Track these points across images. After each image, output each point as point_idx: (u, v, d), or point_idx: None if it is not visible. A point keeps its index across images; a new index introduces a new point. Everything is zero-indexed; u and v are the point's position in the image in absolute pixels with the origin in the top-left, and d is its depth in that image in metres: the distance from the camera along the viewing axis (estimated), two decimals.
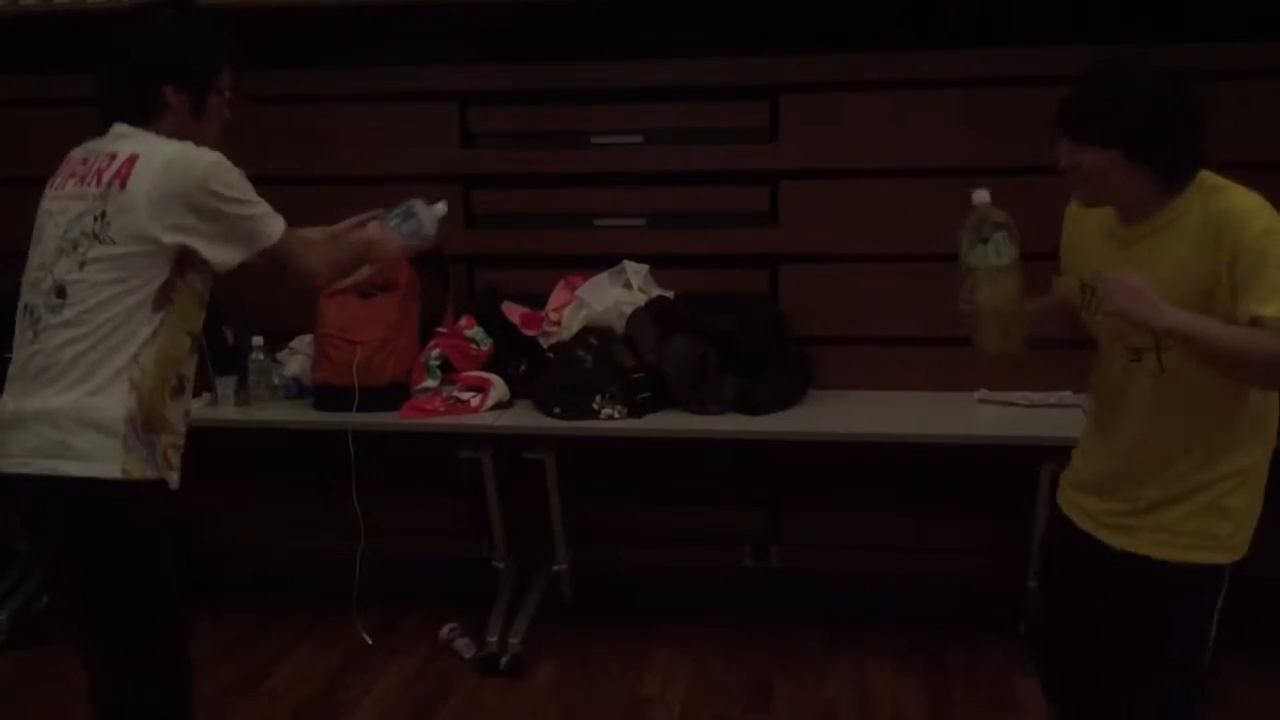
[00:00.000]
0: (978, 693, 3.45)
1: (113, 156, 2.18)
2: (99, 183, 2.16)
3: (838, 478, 3.83)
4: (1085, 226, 2.27)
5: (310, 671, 3.67)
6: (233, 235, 2.20)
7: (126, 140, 2.20)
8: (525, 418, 3.56)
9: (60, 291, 2.16)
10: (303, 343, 3.82)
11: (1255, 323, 1.97)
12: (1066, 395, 3.50)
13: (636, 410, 3.51)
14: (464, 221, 3.96)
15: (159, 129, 2.22)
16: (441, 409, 3.56)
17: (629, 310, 3.68)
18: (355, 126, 3.96)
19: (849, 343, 3.82)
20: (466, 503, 3.96)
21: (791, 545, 3.95)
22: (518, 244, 3.99)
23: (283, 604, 4.03)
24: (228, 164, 2.19)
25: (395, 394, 3.60)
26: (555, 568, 3.86)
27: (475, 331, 3.74)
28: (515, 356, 3.75)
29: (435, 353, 3.67)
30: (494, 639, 3.67)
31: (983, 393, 3.65)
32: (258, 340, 3.69)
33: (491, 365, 3.70)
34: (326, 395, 3.64)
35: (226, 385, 3.69)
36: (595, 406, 3.49)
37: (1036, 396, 3.56)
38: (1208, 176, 2.10)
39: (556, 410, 3.53)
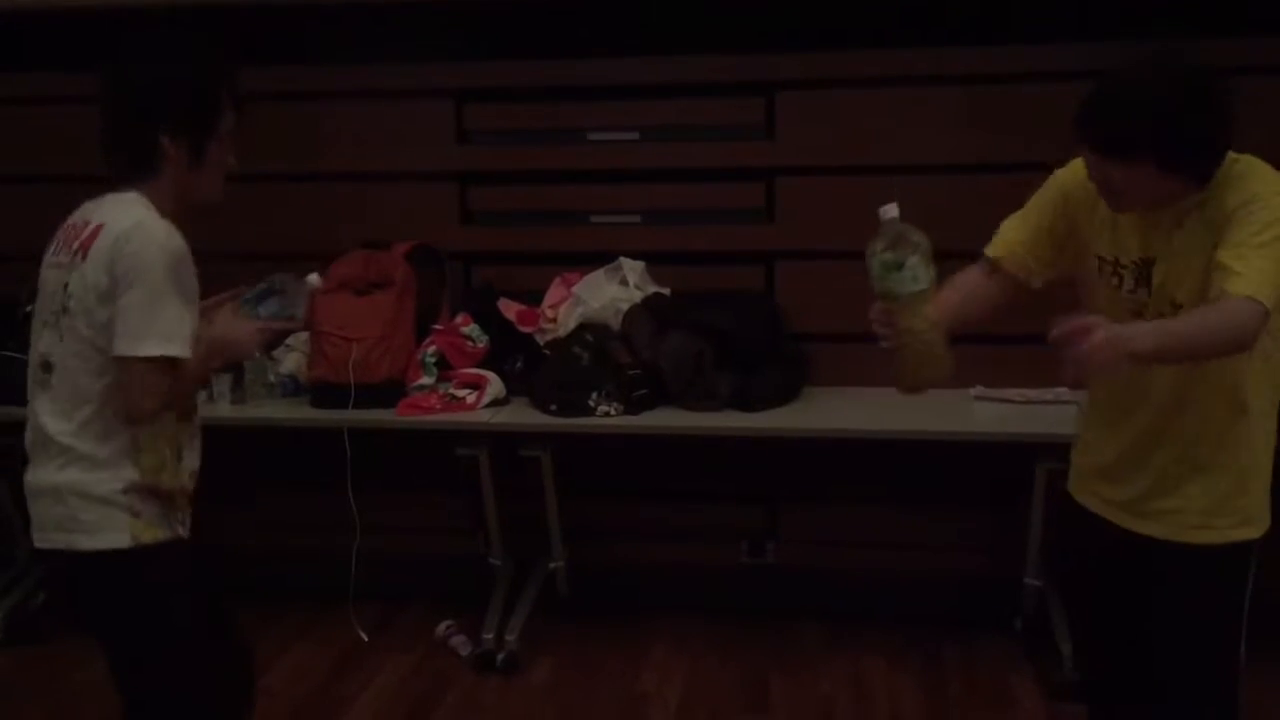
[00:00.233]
0: (974, 689, 3.45)
1: (87, 224, 2.11)
2: (69, 251, 2.10)
3: (834, 474, 3.83)
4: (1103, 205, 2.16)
5: (307, 669, 3.67)
6: (119, 322, 2.04)
7: (107, 206, 2.12)
8: (521, 415, 3.56)
9: (46, 367, 2.14)
10: (299, 340, 3.81)
11: (1221, 271, 1.91)
12: (1063, 392, 3.50)
13: (633, 407, 3.51)
14: (460, 218, 3.96)
15: (161, 183, 2.12)
16: (438, 406, 3.55)
17: (625, 307, 3.67)
18: (351, 123, 3.95)
19: (845, 339, 3.80)
20: (463, 500, 3.95)
21: (788, 542, 3.96)
22: (514, 241, 3.99)
23: (279, 602, 4.02)
24: (174, 258, 2.05)
25: (391, 391, 3.60)
26: (552, 565, 3.86)
27: (471, 329, 3.74)
28: (511, 354, 3.74)
29: (431, 350, 3.67)
30: (490, 636, 3.67)
31: (979, 390, 3.64)
32: None
33: (488, 362, 3.70)
34: (322, 393, 3.63)
35: (222, 383, 3.67)
36: (591, 404, 3.49)
37: (1032, 393, 3.56)
38: (1234, 160, 2.03)
39: (553, 407, 3.53)
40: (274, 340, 2.44)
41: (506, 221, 4.01)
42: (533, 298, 3.80)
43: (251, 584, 4.06)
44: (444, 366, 3.66)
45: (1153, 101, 1.96)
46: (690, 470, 3.90)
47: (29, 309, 2.30)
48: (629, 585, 4.00)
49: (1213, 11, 3.42)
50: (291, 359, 3.78)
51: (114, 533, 2.12)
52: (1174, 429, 2.15)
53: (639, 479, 3.96)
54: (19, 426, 2.24)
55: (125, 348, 2.04)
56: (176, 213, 2.16)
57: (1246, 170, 2.04)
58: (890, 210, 2.12)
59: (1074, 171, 2.19)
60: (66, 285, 2.09)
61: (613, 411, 3.49)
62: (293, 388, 3.76)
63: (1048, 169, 2.24)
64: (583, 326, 3.66)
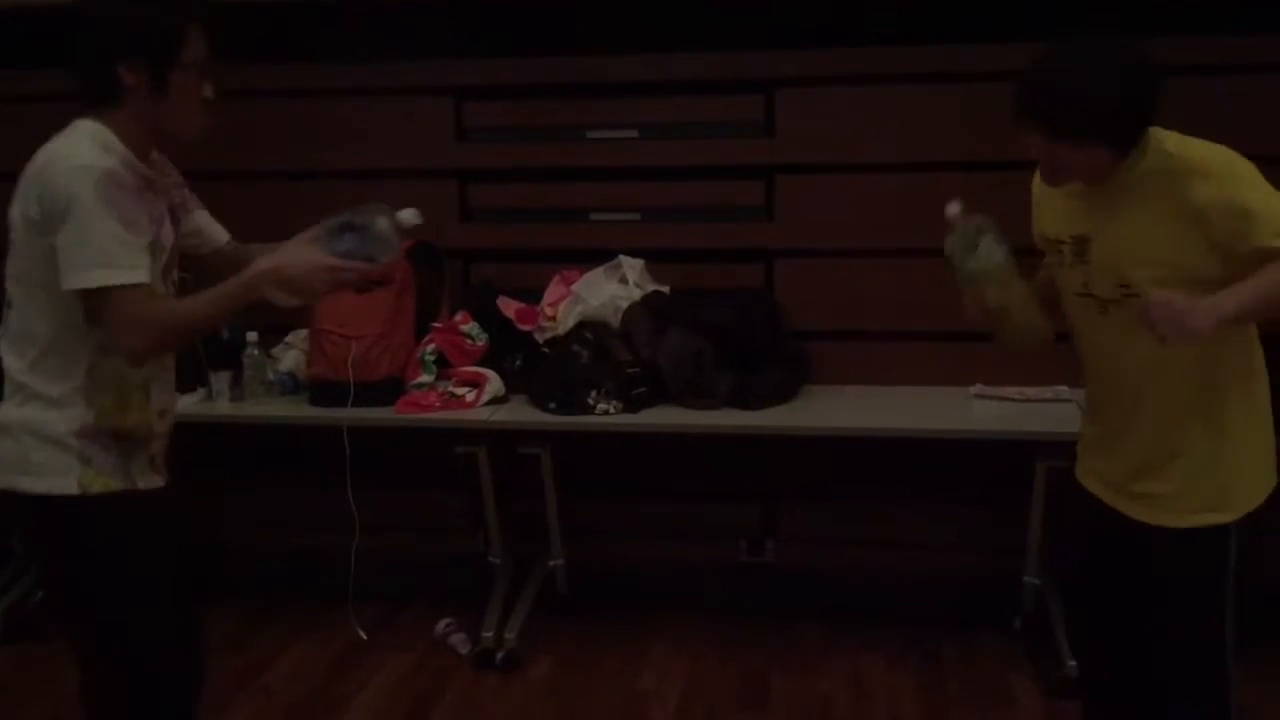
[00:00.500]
0: (973, 687, 3.45)
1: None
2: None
3: (833, 473, 3.83)
4: (1047, 189, 2.29)
5: (306, 667, 3.67)
6: (60, 257, 1.97)
7: (55, 137, 2.05)
8: (521, 413, 3.56)
9: (8, 303, 2.10)
10: (298, 338, 3.81)
11: (1268, 256, 1.98)
12: (1062, 390, 3.50)
13: (632, 405, 3.51)
14: (460, 216, 3.96)
15: (123, 114, 2.05)
16: (437, 404, 3.55)
17: (624, 305, 3.67)
18: (351, 121, 3.95)
19: (845, 337, 3.81)
20: (462, 498, 3.95)
21: (787, 540, 3.95)
22: (513, 239, 3.99)
23: (278, 600, 4.02)
24: (97, 178, 1.95)
25: (391, 389, 3.60)
26: (551, 563, 3.86)
27: (471, 327, 3.74)
28: (511, 352, 3.74)
29: (431, 348, 3.66)
30: (490, 634, 3.67)
31: (979, 388, 3.64)
32: (252, 335, 3.67)
33: (487, 360, 3.70)
34: (322, 390, 3.63)
35: (221, 380, 3.67)
36: (591, 401, 3.49)
37: (1032, 391, 3.56)
38: (1155, 134, 2.12)
39: (552, 405, 3.52)
40: (350, 284, 2.12)
41: (506, 219, 4.00)
42: (532, 296, 3.80)
43: (250, 582, 4.10)
44: (443, 364, 3.65)
45: (1098, 79, 2.07)
46: (690, 468, 3.90)
47: None
48: (628, 584, 4.00)
49: (1213, 8, 3.42)
50: (290, 356, 3.78)
51: (60, 478, 2.05)
52: (1145, 411, 2.22)
53: (638, 477, 3.96)
54: None
55: (72, 281, 1.96)
56: (149, 145, 2.11)
57: (1181, 147, 2.11)
58: (954, 208, 2.27)
59: (1037, 174, 2.32)
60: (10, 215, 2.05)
61: (612, 410, 3.49)
62: (291, 385, 3.76)
63: None
64: (582, 324, 3.65)
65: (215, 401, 3.67)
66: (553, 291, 3.77)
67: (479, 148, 3.95)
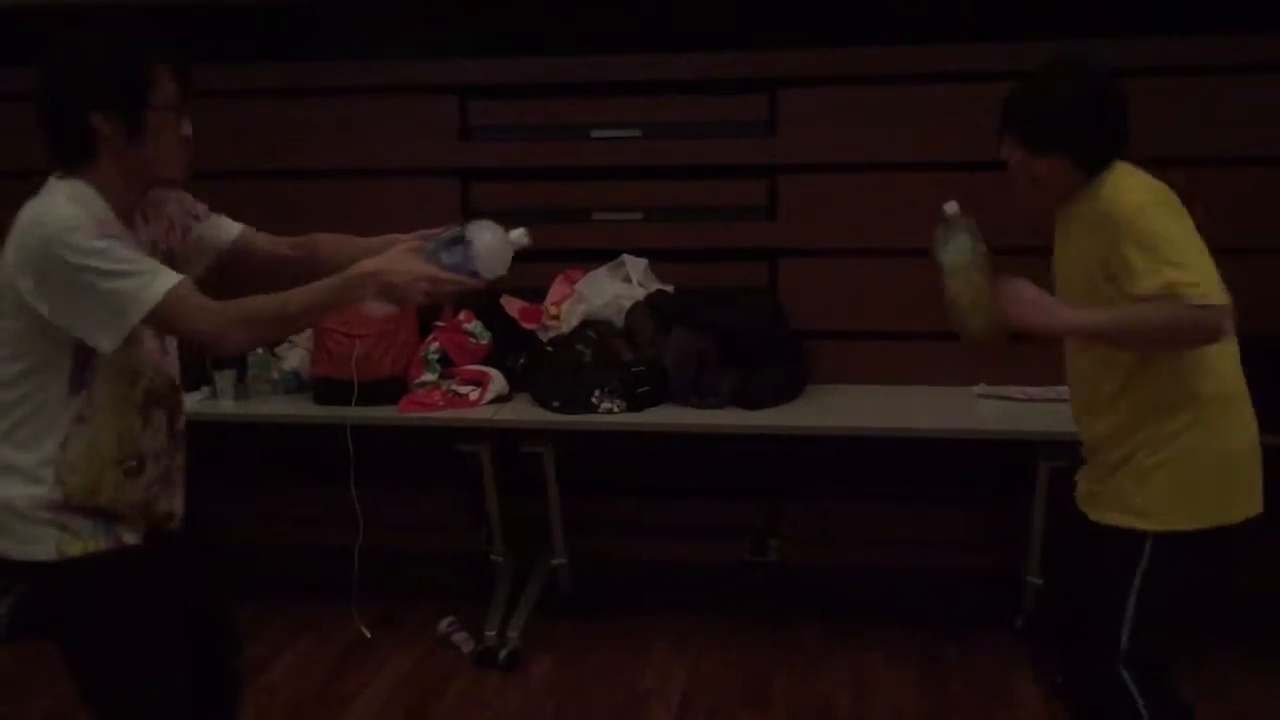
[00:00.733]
0: (975, 687, 3.45)
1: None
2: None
3: (836, 472, 3.83)
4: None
5: (309, 665, 3.67)
6: (99, 307, 1.89)
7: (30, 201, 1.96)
8: (524, 412, 3.57)
9: None
10: (302, 336, 3.82)
11: (1141, 299, 2.14)
12: (1064, 390, 3.49)
13: (635, 404, 3.51)
14: (463, 215, 3.96)
15: (101, 168, 1.96)
16: (440, 403, 3.56)
17: (628, 304, 3.68)
18: (354, 120, 3.95)
19: (847, 337, 3.82)
20: (465, 497, 3.96)
21: (790, 540, 3.95)
22: None
23: (281, 598, 4.03)
24: (80, 224, 1.88)
25: (394, 388, 3.61)
26: (554, 562, 3.86)
27: (474, 325, 3.74)
28: (514, 350, 3.75)
29: (434, 347, 3.67)
30: (492, 633, 3.68)
31: (981, 387, 3.65)
32: None
33: (490, 359, 3.71)
34: (325, 389, 3.64)
35: (225, 379, 3.69)
36: (594, 400, 3.49)
37: (1034, 391, 3.56)
38: (1116, 170, 2.27)
39: (555, 404, 3.53)
40: (447, 297, 2.13)
41: (509, 218, 3.99)
42: (535, 295, 3.80)
43: (254, 580, 4.10)
44: (446, 363, 3.66)
45: (1078, 99, 2.27)
46: (692, 467, 3.90)
47: None
48: (631, 582, 4.00)
49: (1213, 8, 3.42)
50: (294, 355, 3.79)
51: (37, 545, 2.00)
52: (1098, 412, 2.40)
53: (641, 476, 3.96)
54: None
55: (136, 311, 1.89)
56: (132, 198, 2.03)
57: (1114, 189, 2.25)
58: (951, 206, 2.40)
59: None
60: None
61: (615, 409, 3.49)
62: (295, 384, 3.77)
63: None
64: (585, 323, 3.66)
65: (219, 400, 3.68)
66: (556, 290, 3.77)
67: (482, 146, 3.96)
